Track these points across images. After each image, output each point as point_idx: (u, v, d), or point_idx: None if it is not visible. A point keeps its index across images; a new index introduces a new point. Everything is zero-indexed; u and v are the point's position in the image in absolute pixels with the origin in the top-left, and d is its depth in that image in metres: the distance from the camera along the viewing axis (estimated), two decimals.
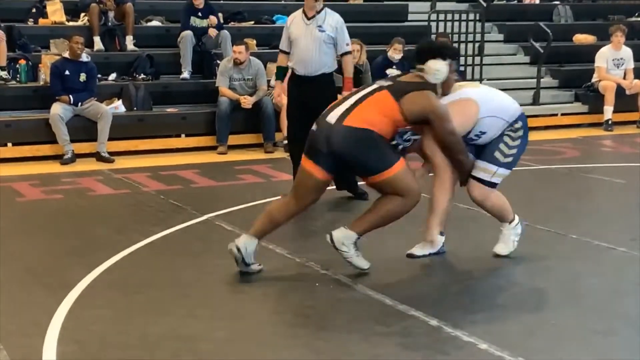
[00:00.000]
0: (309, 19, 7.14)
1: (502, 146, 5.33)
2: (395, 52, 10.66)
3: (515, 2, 13.88)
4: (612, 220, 6.67)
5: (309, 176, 5.07)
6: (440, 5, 13.02)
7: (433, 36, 11.59)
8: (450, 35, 11.74)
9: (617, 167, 8.97)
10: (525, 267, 5.40)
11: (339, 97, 5.88)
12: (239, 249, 5.08)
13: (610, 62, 11.83)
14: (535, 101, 11.93)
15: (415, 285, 5.14)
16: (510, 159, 5.35)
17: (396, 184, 4.99)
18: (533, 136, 10.45)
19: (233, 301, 4.81)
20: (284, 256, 5.54)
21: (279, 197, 6.00)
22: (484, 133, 5.28)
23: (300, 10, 7.23)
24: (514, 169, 5.44)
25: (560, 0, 14.18)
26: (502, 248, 5.54)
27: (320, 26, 7.10)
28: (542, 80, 12.19)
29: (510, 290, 5.03)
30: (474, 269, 5.39)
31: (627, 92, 11.70)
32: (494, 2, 13.40)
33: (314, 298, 4.79)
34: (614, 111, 11.58)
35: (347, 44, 7.23)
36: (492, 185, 5.39)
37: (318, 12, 7.15)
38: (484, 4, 12.68)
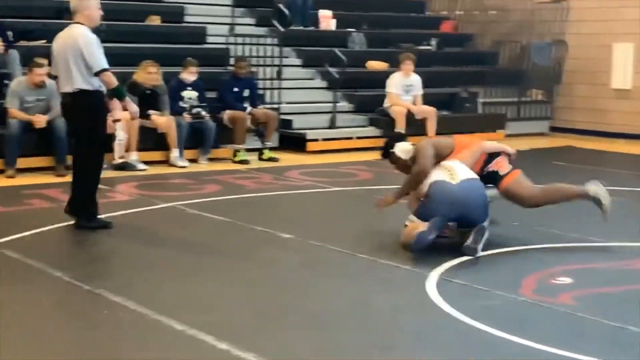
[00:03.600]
0: None
1: None
2: (189, 74, 10.63)
3: (313, 28, 14.19)
4: (398, 239, 6.92)
5: None
6: (239, 29, 13.12)
7: (232, 59, 11.67)
8: (249, 59, 11.85)
9: None
10: (318, 286, 5.50)
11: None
12: None
13: (401, 88, 12.35)
14: (332, 125, 12.23)
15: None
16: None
17: None
18: (330, 159, 11.05)
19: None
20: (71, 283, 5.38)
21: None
22: None
23: None
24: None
25: (355, 27, 14.63)
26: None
27: None
28: (338, 104, 12.53)
29: (303, 310, 5.09)
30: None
31: (417, 117, 12.25)
32: (292, 28, 13.64)
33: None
34: (405, 135, 12.05)
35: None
36: None
37: None
38: (282, 29, 12.90)
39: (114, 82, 6.72)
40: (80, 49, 6.62)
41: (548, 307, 5.10)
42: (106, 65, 6.67)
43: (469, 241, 6.20)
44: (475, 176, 6.48)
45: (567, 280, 5.69)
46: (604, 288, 5.56)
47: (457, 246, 6.34)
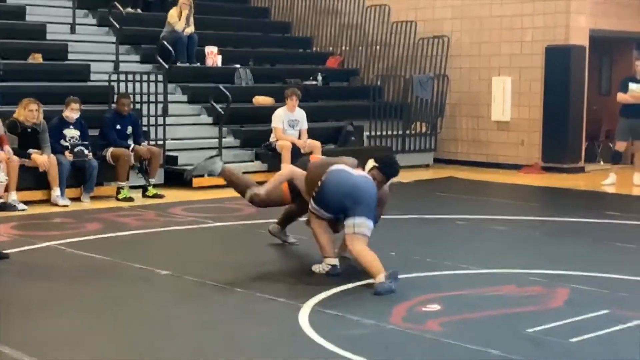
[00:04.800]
0: None
1: None
2: (71, 112, 10.53)
3: (198, 64, 14.25)
4: (276, 272, 7.01)
5: None
6: (123, 66, 13.07)
7: (116, 96, 11.60)
8: (133, 95, 11.81)
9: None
10: (190, 322, 5.52)
11: None
12: None
13: (286, 123, 12.50)
14: None
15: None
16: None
17: None
18: (216, 194, 11.07)
19: None
20: None
21: None
22: None
23: None
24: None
25: (241, 63, 14.76)
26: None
27: None
28: (224, 140, 12.58)
29: (175, 345, 5.09)
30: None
31: (302, 151, 12.39)
32: (177, 65, 13.67)
33: None
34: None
35: None
36: None
37: None
38: (166, 66, 12.92)
39: None
40: None
41: (415, 334, 5.25)
42: None
43: (384, 280, 6.23)
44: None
45: (436, 307, 5.85)
46: (469, 314, 5.75)
47: (334, 277, 6.48)
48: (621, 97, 12.55)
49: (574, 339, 5.09)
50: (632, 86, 12.44)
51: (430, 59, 15.47)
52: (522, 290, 6.29)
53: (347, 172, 6.64)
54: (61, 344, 5.05)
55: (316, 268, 6.83)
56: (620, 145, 12.70)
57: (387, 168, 6.88)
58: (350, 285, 6.38)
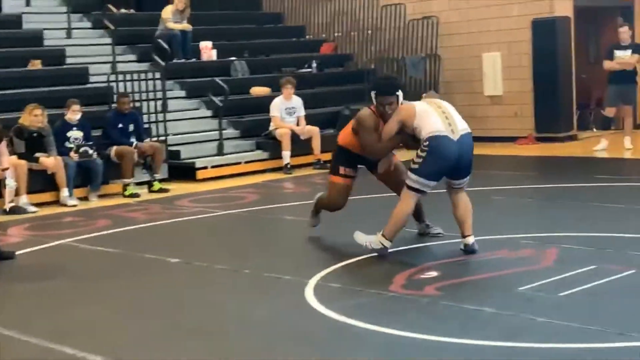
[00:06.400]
0: None
1: (414, 157, 6.59)
2: (73, 114, 10.85)
3: (194, 60, 14.55)
4: (281, 252, 7.34)
5: None
6: (121, 67, 13.37)
7: (115, 96, 11.92)
8: (132, 94, 12.13)
9: (293, 205, 9.77)
10: (202, 303, 5.85)
11: None
12: None
13: (284, 111, 12.81)
14: (220, 152, 12.58)
15: None
16: (416, 166, 6.52)
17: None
18: (220, 185, 11.40)
19: None
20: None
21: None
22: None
23: None
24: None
25: (236, 56, 15.06)
26: (358, 236, 6.80)
27: None
28: (224, 131, 12.91)
29: (189, 324, 5.42)
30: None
31: (301, 137, 12.73)
32: (174, 61, 13.97)
33: None
34: (292, 155, 12.53)
35: None
36: (410, 188, 6.60)
37: None
38: (163, 64, 13.22)
39: None
40: None
41: (414, 299, 5.58)
42: None
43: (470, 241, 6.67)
44: (467, 127, 6.76)
45: (433, 274, 6.18)
46: (464, 278, 6.08)
47: (337, 251, 6.80)
48: (608, 64, 12.83)
49: (563, 293, 5.42)
50: (618, 53, 12.72)
51: (421, 40, 15.75)
52: (515, 253, 6.61)
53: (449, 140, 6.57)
54: (83, 332, 5.37)
55: (364, 239, 6.75)
56: (610, 111, 12.99)
57: (378, 87, 6.87)
58: (352, 260, 6.69)
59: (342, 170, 7.22)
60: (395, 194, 7.16)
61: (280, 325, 5.32)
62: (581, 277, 5.77)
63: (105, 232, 8.63)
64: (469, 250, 6.69)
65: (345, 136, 7.27)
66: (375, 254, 6.67)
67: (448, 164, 6.57)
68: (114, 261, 7.36)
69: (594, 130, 15.22)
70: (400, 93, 6.77)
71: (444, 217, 7.11)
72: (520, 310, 5.17)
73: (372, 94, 6.86)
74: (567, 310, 5.13)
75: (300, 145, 12.78)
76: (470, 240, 6.71)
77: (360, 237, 6.81)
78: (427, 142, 6.51)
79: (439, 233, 7.31)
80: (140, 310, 5.82)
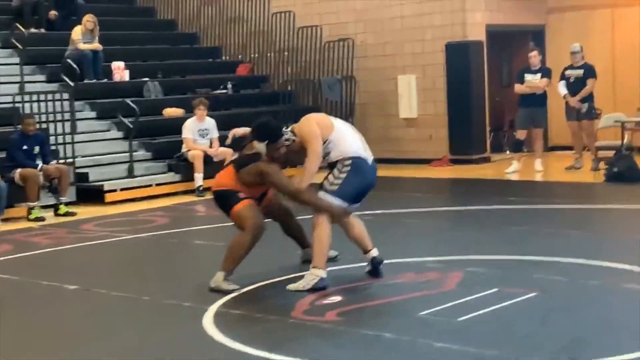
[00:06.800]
0: None
1: (330, 176, 6.40)
2: None
3: (106, 80, 14.26)
4: (185, 278, 7.15)
5: None
6: (29, 87, 13.02)
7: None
8: (40, 115, 11.80)
9: (202, 229, 9.58)
10: (95, 332, 5.63)
11: None
12: None
13: (196, 133, 12.62)
14: (130, 174, 12.31)
15: None
16: (334, 187, 6.34)
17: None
18: (130, 208, 11.14)
19: None
20: None
21: None
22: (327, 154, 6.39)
23: None
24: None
25: (150, 77, 14.82)
26: (291, 287, 6.34)
27: None
28: (135, 153, 12.64)
29: (83, 356, 5.21)
30: None
31: (215, 159, 12.54)
32: (84, 82, 13.67)
33: None
34: (204, 177, 12.32)
35: None
36: None
37: None
38: (72, 84, 12.92)
39: None
40: None
41: (314, 325, 5.46)
42: None
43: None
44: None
45: (336, 298, 6.08)
46: (367, 302, 5.99)
47: (241, 277, 6.66)
48: (518, 88, 13.00)
49: (462, 318, 5.37)
50: (528, 77, 12.90)
51: (337, 62, 15.75)
52: (420, 277, 6.56)
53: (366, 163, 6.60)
54: None
55: (300, 285, 6.26)
56: (521, 134, 13.14)
57: (269, 136, 6.41)
58: (256, 285, 6.55)
59: (241, 195, 6.65)
60: (282, 221, 7.07)
61: (175, 355, 5.15)
62: (482, 301, 5.74)
63: (3, 258, 8.31)
64: (377, 261, 6.64)
65: (226, 180, 6.80)
66: (302, 286, 6.27)
67: (365, 188, 6.55)
68: (8, 289, 7.07)
69: (507, 152, 15.37)
70: (283, 128, 6.55)
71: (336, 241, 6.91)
72: (418, 335, 5.11)
73: (263, 145, 6.40)
74: (464, 335, 5.08)
75: (213, 167, 12.50)
76: (375, 252, 6.67)
77: (294, 285, 6.36)
78: (349, 163, 6.42)
79: (336, 256, 7.05)
80: (28, 341, 5.57)
